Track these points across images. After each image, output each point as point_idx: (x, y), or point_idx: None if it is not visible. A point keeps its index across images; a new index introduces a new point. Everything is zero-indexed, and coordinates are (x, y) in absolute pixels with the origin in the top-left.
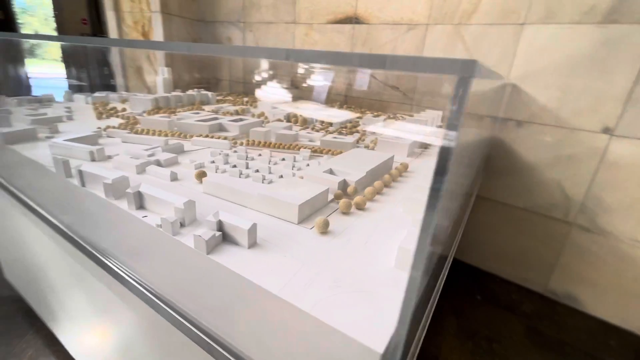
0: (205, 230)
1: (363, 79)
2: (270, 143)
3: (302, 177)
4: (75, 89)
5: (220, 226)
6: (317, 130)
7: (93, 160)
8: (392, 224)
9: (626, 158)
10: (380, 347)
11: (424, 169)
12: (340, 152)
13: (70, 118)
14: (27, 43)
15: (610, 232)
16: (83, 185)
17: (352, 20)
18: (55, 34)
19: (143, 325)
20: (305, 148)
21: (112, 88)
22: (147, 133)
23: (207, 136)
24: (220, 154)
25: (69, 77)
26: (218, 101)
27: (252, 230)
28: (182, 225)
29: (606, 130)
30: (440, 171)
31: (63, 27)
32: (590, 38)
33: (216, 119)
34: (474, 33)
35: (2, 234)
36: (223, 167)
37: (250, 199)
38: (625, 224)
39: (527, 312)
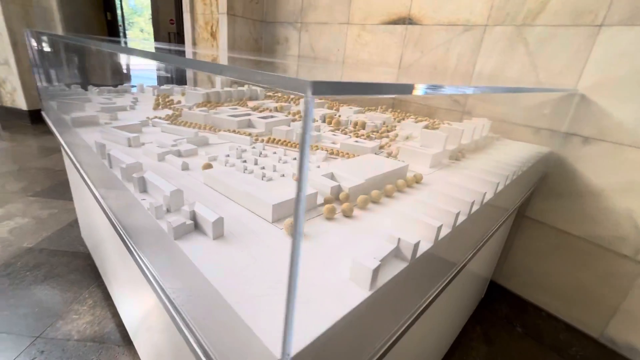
0: (178, 217)
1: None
2: (289, 142)
3: (269, 180)
4: (162, 81)
5: (193, 216)
6: (346, 133)
7: (129, 146)
8: (370, 236)
9: None
10: (279, 352)
11: (439, 183)
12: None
13: (132, 107)
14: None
15: None
16: (110, 167)
17: (405, 21)
18: (152, 31)
19: (150, 302)
20: (322, 149)
21: (184, 81)
22: (185, 125)
23: (233, 131)
24: (237, 149)
25: (158, 69)
26: (267, 97)
27: (218, 223)
28: (168, 211)
29: None
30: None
31: (158, 26)
32: None
33: (249, 114)
34: (539, 35)
35: (81, 199)
36: (233, 162)
37: (235, 193)
38: None
39: (576, 357)
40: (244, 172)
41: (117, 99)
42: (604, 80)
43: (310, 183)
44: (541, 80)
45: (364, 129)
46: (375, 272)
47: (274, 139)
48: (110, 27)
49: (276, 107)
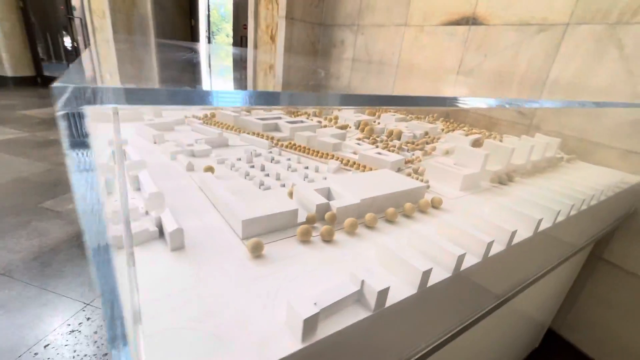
0: (142, 223)
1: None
2: (309, 149)
3: (291, 192)
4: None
5: (159, 222)
6: (375, 142)
7: (154, 142)
8: (341, 269)
9: None
10: None
11: (461, 210)
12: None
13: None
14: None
15: None
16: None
17: (469, 20)
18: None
19: None
20: (337, 159)
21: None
22: (217, 125)
23: (256, 134)
24: (251, 152)
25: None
26: None
27: (175, 234)
28: (147, 213)
29: None
30: None
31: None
32: None
33: (280, 118)
34: (639, 36)
35: None
36: (240, 166)
37: (218, 202)
38: None
39: None
40: (245, 178)
41: None
42: None
43: (299, 197)
44: (638, 91)
45: (398, 139)
46: (310, 322)
47: (294, 145)
48: (193, 32)
49: (315, 112)
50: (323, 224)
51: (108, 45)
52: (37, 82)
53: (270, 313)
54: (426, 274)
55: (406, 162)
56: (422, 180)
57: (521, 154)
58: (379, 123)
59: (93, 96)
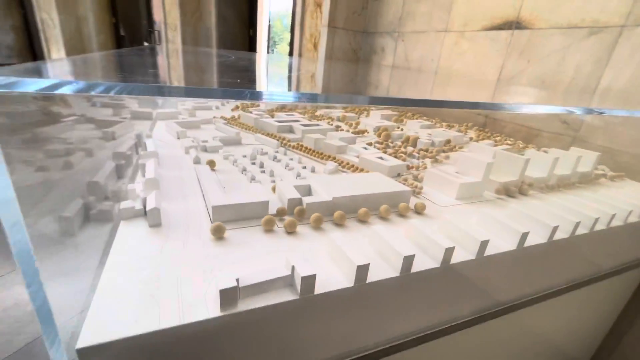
0: (131, 202)
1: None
2: (313, 150)
3: (274, 187)
4: None
5: (144, 202)
6: (384, 148)
7: (178, 138)
8: (284, 256)
9: None
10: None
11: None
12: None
13: (218, 107)
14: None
15: None
16: (137, 152)
17: (512, 25)
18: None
19: None
20: (337, 161)
21: None
22: (238, 126)
23: (270, 135)
24: (258, 151)
25: None
26: (345, 108)
27: (152, 212)
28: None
29: None
30: None
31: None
32: None
33: (297, 121)
34: None
35: None
36: (241, 162)
37: (205, 190)
38: None
39: None
40: (242, 173)
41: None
42: None
43: (279, 192)
44: None
45: (414, 146)
46: (227, 293)
47: (301, 145)
48: (251, 41)
49: (339, 117)
50: (295, 217)
51: (177, 53)
52: None
53: (206, 285)
54: (362, 269)
55: (410, 168)
56: (417, 187)
57: (542, 167)
58: (401, 129)
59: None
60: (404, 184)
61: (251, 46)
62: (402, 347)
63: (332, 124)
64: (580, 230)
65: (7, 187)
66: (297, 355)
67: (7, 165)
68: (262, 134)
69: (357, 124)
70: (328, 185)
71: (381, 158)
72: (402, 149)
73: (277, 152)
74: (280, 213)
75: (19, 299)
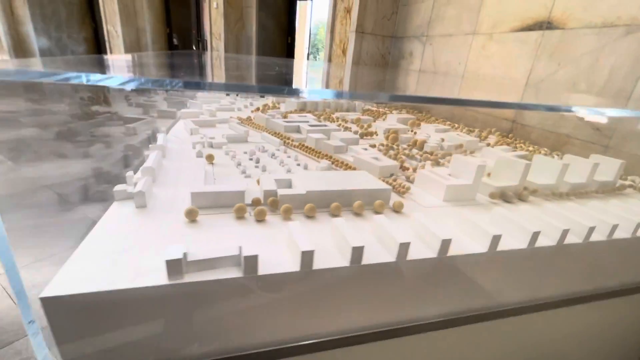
0: (125, 185)
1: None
2: (312, 149)
3: (258, 179)
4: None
5: (134, 186)
6: (387, 149)
7: (191, 134)
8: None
9: None
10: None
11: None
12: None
13: (240, 109)
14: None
15: None
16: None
17: (543, 25)
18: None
19: None
20: (329, 160)
21: None
22: (251, 126)
23: (277, 134)
24: (259, 148)
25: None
26: (365, 112)
27: (138, 195)
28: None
29: None
30: None
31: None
32: None
33: (306, 122)
34: None
35: None
36: (240, 157)
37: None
38: None
39: None
40: (237, 167)
41: (241, 101)
42: None
43: (262, 184)
44: None
45: (421, 149)
46: (172, 264)
47: (302, 144)
48: (289, 48)
49: (353, 120)
50: (269, 208)
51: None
52: None
53: (165, 258)
54: (307, 255)
55: (405, 169)
56: (403, 187)
57: (552, 173)
58: (414, 132)
59: None
60: (392, 183)
61: (289, 53)
62: (358, 340)
63: (343, 126)
64: (572, 240)
65: None
66: (242, 333)
67: None
68: (270, 133)
69: (369, 126)
70: (307, 180)
71: (376, 158)
72: (406, 152)
73: (277, 150)
74: (255, 203)
75: None
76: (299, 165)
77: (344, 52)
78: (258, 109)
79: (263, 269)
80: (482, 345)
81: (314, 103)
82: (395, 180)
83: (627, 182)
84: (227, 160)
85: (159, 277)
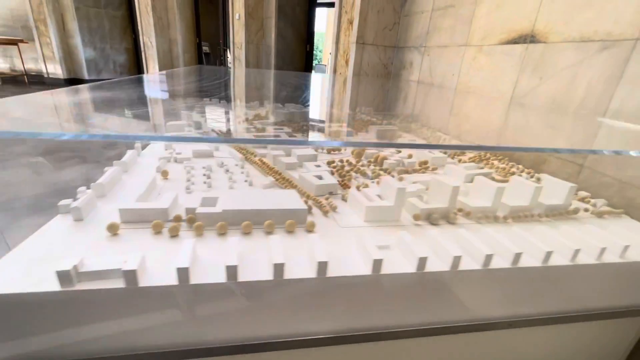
0: (70, 200)
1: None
2: (266, 165)
3: (189, 192)
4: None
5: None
6: (339, 166)
7: (165, 149)
8: (153, 255)
9: None
10: None
11: (330, 237)
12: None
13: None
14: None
15: None
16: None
17: (527, 38)
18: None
19: None
20: (279, 177)
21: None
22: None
23: (241, 149)
24: (220, 163)
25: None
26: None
27: (74, 210)
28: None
29: None
30: None
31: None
32: None
33: (278, 136)
34: None
35: None
36: (194, 172)
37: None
38: None
39: None
40: (186, 182)
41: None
42: None
43: (192, 200)
44: None
45: (381, 165)
46: (62, 274)
47: (261, 160)
48: (308, 56)
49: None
50: (187, 224)
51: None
52: None
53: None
54: (183, 272)
55: (345, 188)
56: (328, 207)
57: (489, 196)
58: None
59: None
60: (320, 202)
61: (307, 60)
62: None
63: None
64: (473, 266)
65: None
66: (131, 339)
67: None
68: (236, 148)
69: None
70: (233, 199)
71: (320, 177)
72: (363, 168)
73: (236, 165)
74: (177, 219)
75: None
76: (245, 181)
77: (346, 62)
78: (247, 119)
79: (147, 281)
80: None
81: (301, 114)
82: (327, 198)
83: (585, 206)
84: (183, 175)
85: (53, 284)
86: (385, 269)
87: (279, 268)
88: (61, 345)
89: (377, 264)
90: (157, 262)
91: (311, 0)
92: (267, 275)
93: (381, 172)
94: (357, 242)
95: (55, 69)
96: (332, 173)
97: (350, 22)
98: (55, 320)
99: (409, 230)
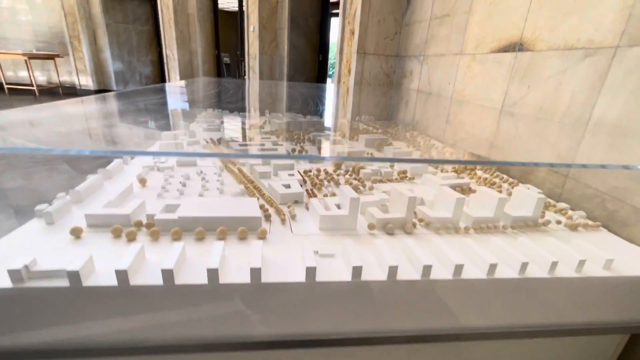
0: (46, 205)
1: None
2: (242, 173)
3: (161, 199)
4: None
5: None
6: (313, 174)
7: (153, 158)
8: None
9: None
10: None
11: (279, 244)
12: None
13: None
14: None
15: None
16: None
17: (516, 47)
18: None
19: None
20: (250, 186)
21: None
22: (215, 148)
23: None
24: (198, 172)
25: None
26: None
27: (45, 214)
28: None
29: None
30: None
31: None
32: None
33: (262, 145)
34: None
35: None
36: (172, 180)
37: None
38: None
39: None
40: (161, 189)
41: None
42: None
43: (154, 207)
44: None
45: (357, 174)
46: (13, 272)
47: (239, 169)
48: (320, 65)
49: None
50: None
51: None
52: None
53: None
54: (122, 274)
55: (311, 196)
56: (285, 215)
57: (450, 206)
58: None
59: None
60: (281, 211)
61: (320, 69)
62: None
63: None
64: (413, 277)
65: None
66: (78, 335)
67: None
68: (218, 158)
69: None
70: (193, 206)
71: (287, 186)
72: (335, 177)
73: (215, 173)
74: (137, 225)
75: None
76: (218, 189)
77: (349, 72)
78: (251, 129)
79: (92, 282)
80: None
81: (297, 123)
82: (289, 206)
83: (558, 218)
84: (160, 182)
85: (7, 282)
86: (323, 277)
87: (213, 273)
88: (15, 340)
89: (311, 271)
90: (107, 264)
91: (324, 11)
92: (203, 279)
93: (353, 182)
94: (301, 249)
95: (87, 81)
96: (305, 182)
97: (352, 32)
98: (8, 316)
99: (361, 239)
